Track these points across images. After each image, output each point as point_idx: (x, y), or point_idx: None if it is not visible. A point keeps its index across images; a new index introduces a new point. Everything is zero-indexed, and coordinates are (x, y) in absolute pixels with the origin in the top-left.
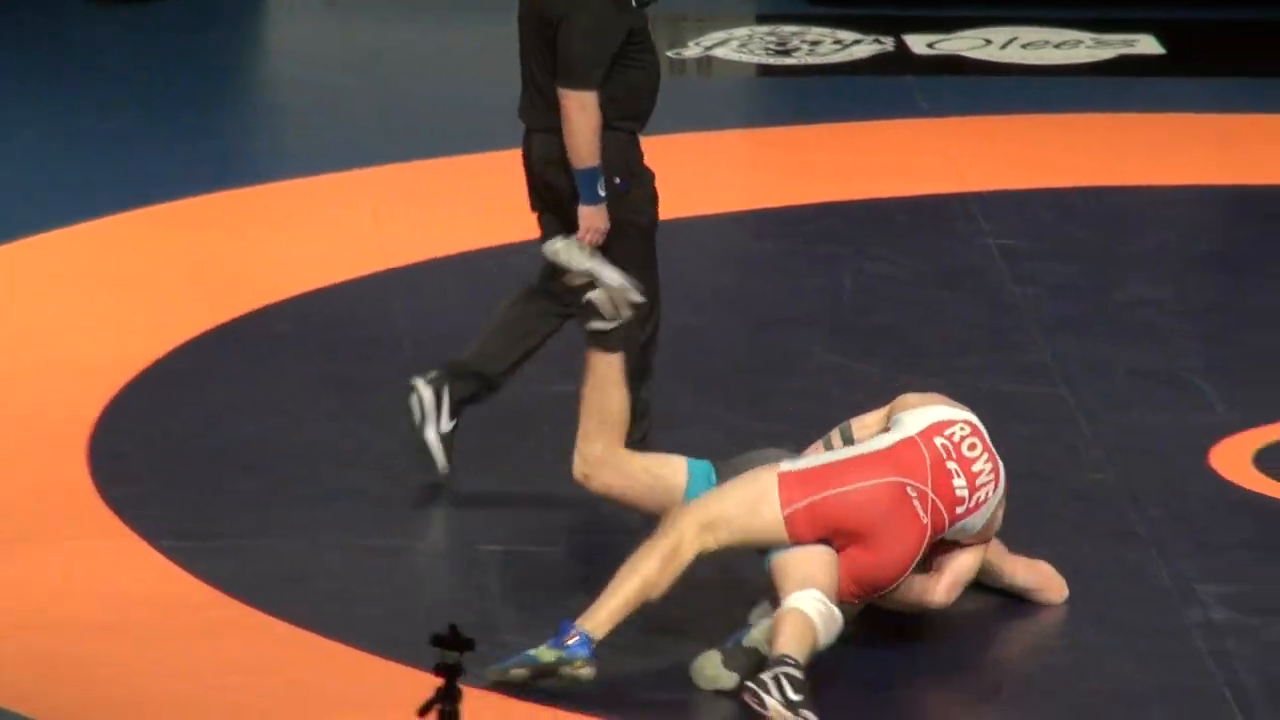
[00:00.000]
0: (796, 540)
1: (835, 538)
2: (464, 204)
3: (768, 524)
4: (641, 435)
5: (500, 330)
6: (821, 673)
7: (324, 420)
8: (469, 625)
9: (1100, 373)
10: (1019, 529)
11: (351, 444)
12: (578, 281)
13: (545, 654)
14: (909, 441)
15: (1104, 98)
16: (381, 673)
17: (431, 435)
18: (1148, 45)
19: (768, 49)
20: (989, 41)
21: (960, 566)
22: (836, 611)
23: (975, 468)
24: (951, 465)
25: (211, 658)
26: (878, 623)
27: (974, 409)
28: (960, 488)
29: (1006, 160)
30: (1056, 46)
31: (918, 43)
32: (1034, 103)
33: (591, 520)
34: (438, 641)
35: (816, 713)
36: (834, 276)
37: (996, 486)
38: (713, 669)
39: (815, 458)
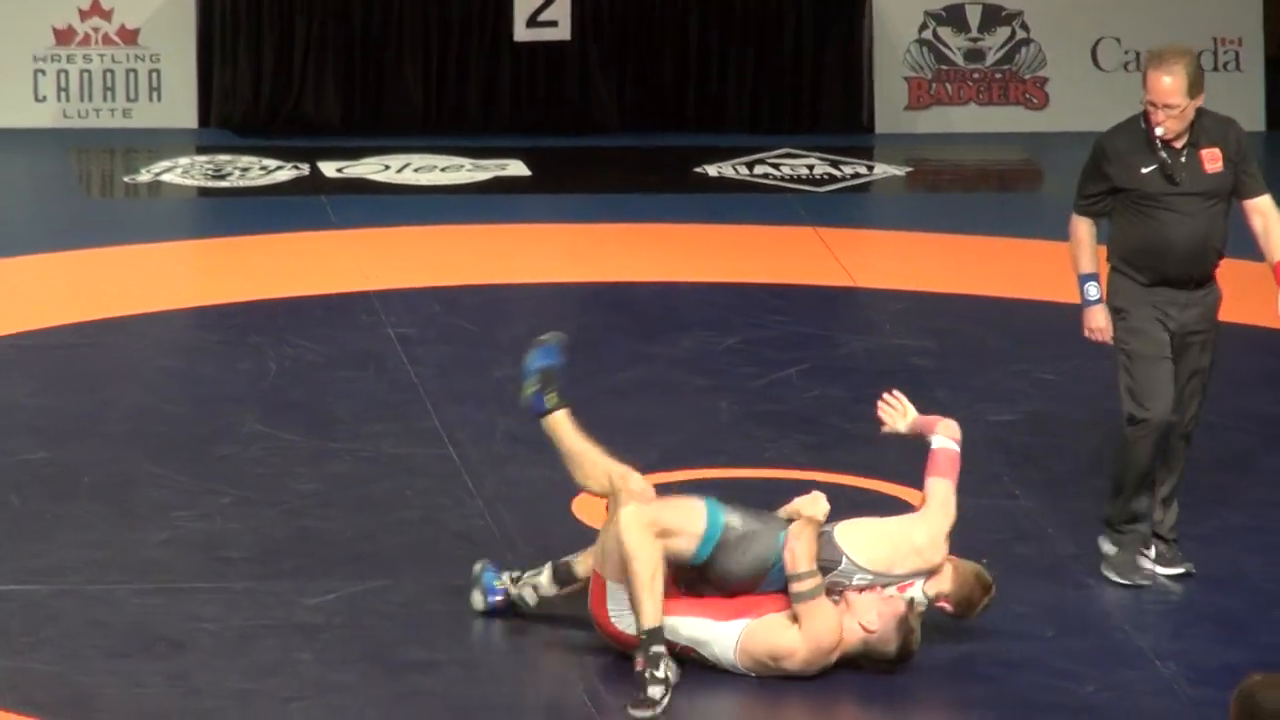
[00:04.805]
0: None
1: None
2: None
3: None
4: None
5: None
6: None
7: None
8: None
9: (481, 436)
10: (423, 559)
11: None
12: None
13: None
14: None
15: (482, 211)
16: None
17: None
18: (516, 169)
19: (206, 174)
20: (388, 167)
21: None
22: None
23: None
24: None
25: None
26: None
27: (377, 469)
28: None
29: (402, 263)
30: (443, 170)
31: (329, 168)
32: (425, 216)
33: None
34: None
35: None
36: (261, 361)
37: None
38: (480, 592)
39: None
